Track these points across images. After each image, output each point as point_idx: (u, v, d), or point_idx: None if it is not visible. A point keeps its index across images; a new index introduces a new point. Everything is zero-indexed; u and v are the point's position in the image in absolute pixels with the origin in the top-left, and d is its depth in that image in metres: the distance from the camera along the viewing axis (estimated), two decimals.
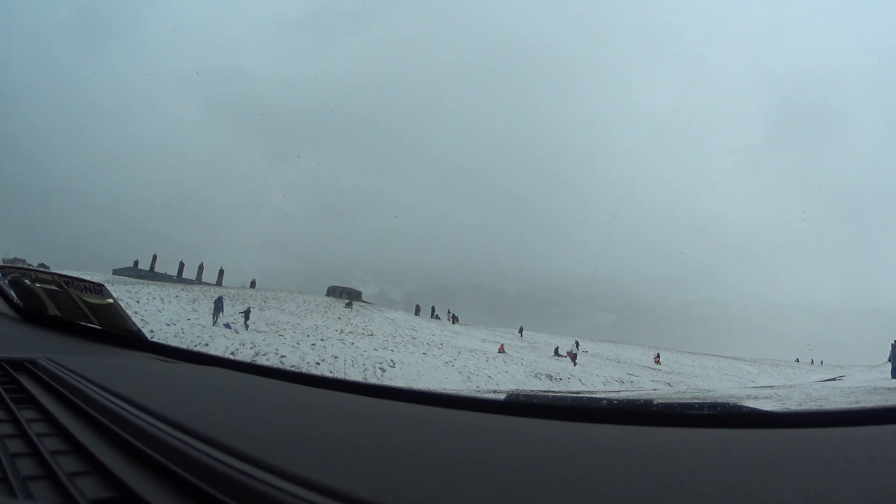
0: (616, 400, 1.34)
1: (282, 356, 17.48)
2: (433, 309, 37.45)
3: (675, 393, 18.14)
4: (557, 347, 28.19)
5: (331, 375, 12.40)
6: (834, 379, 22.76)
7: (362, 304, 35.47)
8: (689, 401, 1.37)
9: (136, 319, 14.31)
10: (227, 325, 21.16)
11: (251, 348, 17.96)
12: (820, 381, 21.23)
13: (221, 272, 42.26)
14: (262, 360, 16.46)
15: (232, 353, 16.61)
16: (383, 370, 17.96)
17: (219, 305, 22.29)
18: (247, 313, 22.49)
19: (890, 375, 19.35)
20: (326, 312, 29.39)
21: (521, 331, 36.02)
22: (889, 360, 20.35)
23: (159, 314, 21.08)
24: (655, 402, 1.29)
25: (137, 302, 22.34)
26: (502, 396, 1.40)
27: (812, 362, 39.20)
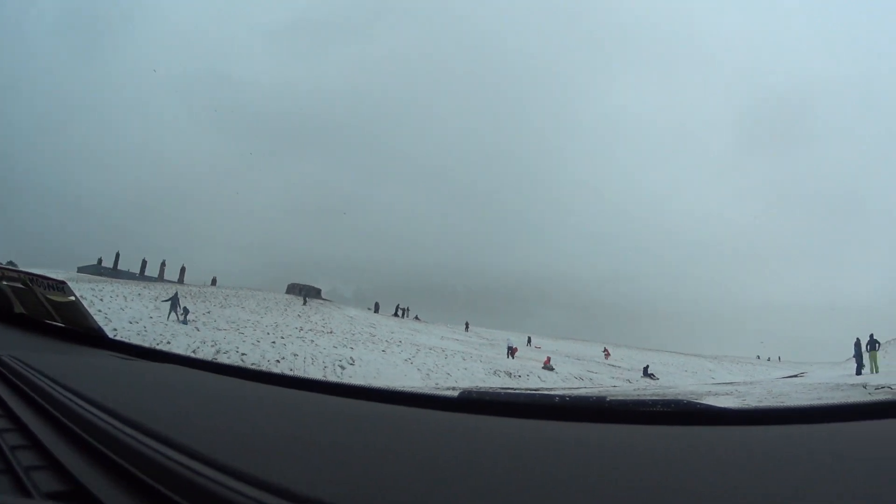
0: (569, 397, 1.34)
1: (242, 354, 17.76)
2: (397, 307, 37.75)
3: (634, 390, 18.33)
4: (512, 347, 28.14)
5: (290, 373, 12.85)
6: (796, 375, 23.03)
7: (322, 301, 35.47)
8: (644, 398, 1.36)
9: (99, 317, 14.65)
10: (183, 322, 21.32)
11: (212, 346, 18.15)
12: (781, 378, 21.69)
13: (183, 270, 42.05)
14: (222, 358, 16.87)
15: (193, 351, 16.87)
16: (343, 368, 18.31)
17: (175, 302, 22.32)
18: (185, 310, 22.40)
19: (854, 372, 19.71)
20: (286, 310, 29.22)
21: (466, 326, 36.56)
22: (854, 357, 20.92)
23: (122, 312, 20.96)
24: (609, 399, 1.28)
25: (101, 300, 22.18)
26: (456, 394, 1.40)
27: (770, 359, 39.53)
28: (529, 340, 34.66)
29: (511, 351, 27.12)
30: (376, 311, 36.16)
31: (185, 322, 21.32)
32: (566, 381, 21.73)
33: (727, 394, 13.11)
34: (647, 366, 27.07)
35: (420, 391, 2.10)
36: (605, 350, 34.08)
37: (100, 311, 19.49)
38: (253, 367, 13.71)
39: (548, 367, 23.75)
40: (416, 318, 37.10)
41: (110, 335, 2.62)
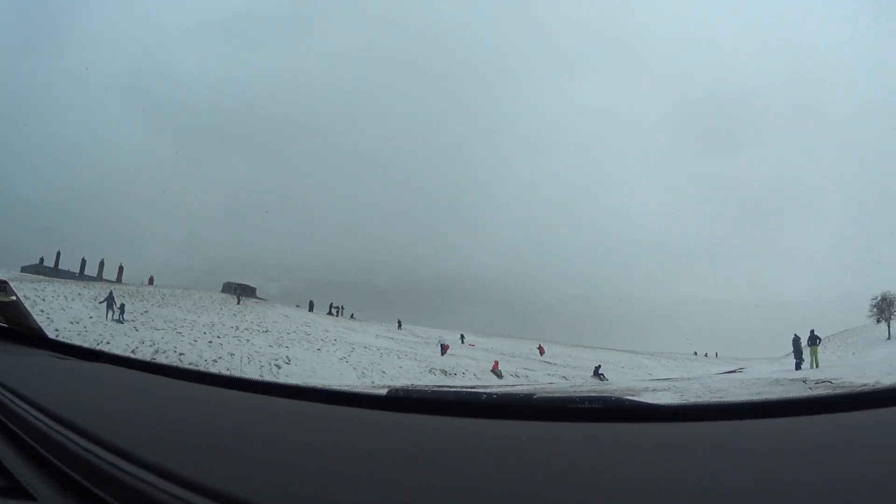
0: (496, 394, 1.33)
1: (180, 354, 17.89)
2: (331, 305, 37.55)
3: (570, 386, 18.54)
4: (444, 345, 27.34)
5: (225, 373, 13.40)
6: (734, 371, 23.02)
7: (257, 300, 34.99)
8: (573, 395, 1.26)
9: (42, 317, 15.55)
10: (118, 321, 21.20)
11: (150, 346, 18.20)
12: (720, 374, 21.72)
13: (121, 269, 41.07)
14: (161, 358, 16.90)
15: (132, 352, 16.88)
16: (279, 367, 18.32)
17: (110, 301, 22.17)
18: (121, 307, 22.28)
19: (793, 368, 19.60)
20: (222, 309, 28.67)
21: (399, 324, 35.92)
22: (793, 353, 20.84)
23: (63, 312, 20.67)
24: (535, 397, 1.24)
25: (43, 300, 21.68)
26: (384, 392, 1.38)
27: (707, 355, 38.70)
28: (463, 338, 34.05)
29: (443, 348, 26.50)
30: (311, 309, 35.91)
31: (120, 321, 21.29)
32: (503, 378, 21.83)
33: (665, 390, 13.12)
34: (599, 366, 25.49)
35: (349, 390, 2.15)
36: (540, 347, 33.16)
37: (42, 311, 19.31)
38: (190, 366, 14.48)
39: (496, 371, 22.67)
40: (352, 316, 37.17)
41: (52, 335, 2.63)
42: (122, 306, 22.29)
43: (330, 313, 36.66)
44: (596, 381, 22.60)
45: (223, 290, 35.46)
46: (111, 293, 23.21)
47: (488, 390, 1.82)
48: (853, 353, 23.73)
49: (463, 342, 33.20)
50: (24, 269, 36.73)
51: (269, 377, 16.78)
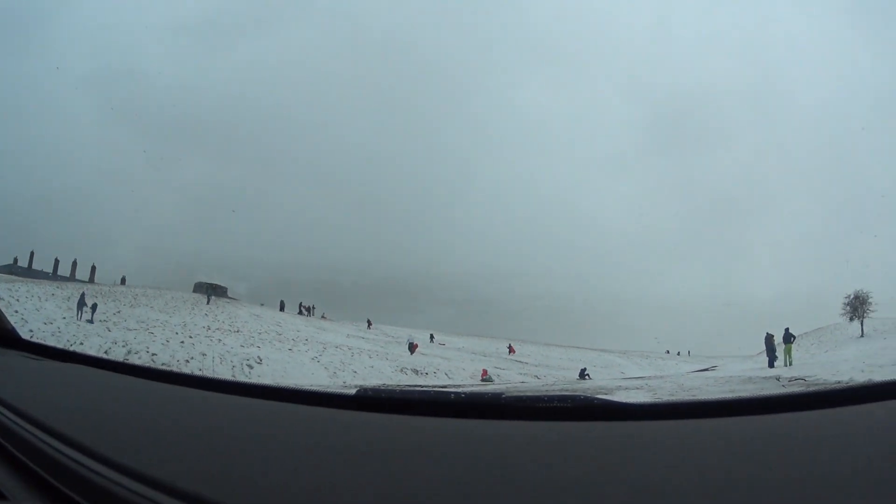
0: (464, 393, 1.33)
1: (153, 354, 18.06)
2: (300, 304, 37.63)
3: (542, 385, 18.55)
4: (413, 344, 27.37)
5: (197, 374, 13.63)
6: (707, 369, 23.33)
7: (228, 300, 34.98)
8: (542, 394, 1.31)
9: (16, 318, 16.35)
10: (89, 321, 21.30)
11: (123, 346, 18.37)
12: (693, 372, 21.73)
13: (93, 269, 40.87)
14: (133, 359, 17.04)
15: (105, 352, 17.10)
16: (251, 367, 18.50)
17: (81, 301, 22.23)
18: (94, 306, 22.40)
19: (767, 365, 19.96)
20: (193, 309, 28.53)
21: (368, 324, 36.01)
22: (766, 351, 21.15)
23: (37, 313, 20.71)
24: (504, 396, 1.24)
25: (17, 301, 21.63)
26: (353, 391, 1.35)
27: (680, 353, 39.13)
28: (432, 337, 34.34)
29: (412, 347, 26.67)
30: (282, 309, 36.01)
31: (91, 321, 21.38)
32: (474, 378, 21.96)
33: (637, 388, 13.23)
34: (584, 368, 25.16)
35: (319, 389, 2.18)
36: (510, 346, 33.51)
37: (17, 311, 19.39)
38: (163, 367, 14.80)
39: (486, 379, 21.86)
40: (323, 316, 37.40)
41: (27, 336, 2.65)
42: (95, 306, 22.35)
43: (300, 313, 36.76)
44: (573, 381, 21.85)
45: (195, 290, 35.50)
46: (83, 293, 23.23)
47: (457, 390, 1.83)
48: (826, 351, 23.84)
49: (432, 341, 33.60)
50: None
51: (241, 377, 16.87)
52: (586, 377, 23.72)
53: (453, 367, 23.99)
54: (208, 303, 31.17)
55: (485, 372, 23.13)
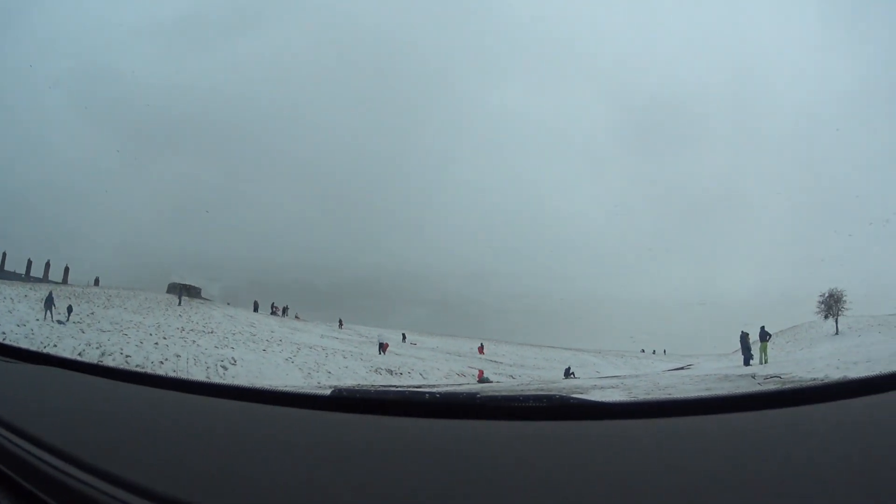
0: (439, 393, 1.33)
1: (127, 356, 17.79)
2: (272, 305, 36.99)
3: (517, 385, 18.62)
4: (383, 343, 26.97)
5: (171, 375, 13.18)
6: (682, 368, 23.23)
7: (202, 300, 34.51)
8: (517, 393, 1.31)
9: None
10: (59, 322, 21.06)
11: (97, 348, 18.17)
12: (668, 370, 21.77)
13: (67, 270, 40.16)
14: (107, 360, 16.77)
15: (79, 354, 16.91)
16: (225, 368, 18.46)
17: (49, 302, 21.90)
18: (69, 308, 22.28)
19: (742, 364, 19.76)
20: (167, 310, 28.13)
21: (340, 323, 35.61)
22: (741, 349, 20.83)
23: (10, 315, 20.29)
24: (479, 396, 1.24)
25: None
26: (328, 392, 1.35)
27: (655, 352, 38.52)
28: (404, 337, 33.88)
29: (382, 347, 26.38)
30: (255, 309, 35.53)
31: (63, 322, 21.12)
32: (448, 377, 22.00)
33: (613, 387, 13.20)
34: (569, 367, 25.29)
35: (294, 390, 2.09)
36: (480, 346, 32.83)
37: None
38: (137, 368, 14.68)
39: (484, 379, 21.56)
40: (297, 316, 37.07)
41: None
42: (70, 308, 22.14)
43: (273, 313, 36.42)
44: (548, 381, 21.00)
45: (168, 291, 35.05)
46: (50, 294, 22.92)
47: (432, 390, 1.69)
48: (801, 349, 23.76)
49: (405, 341, 33.29)
50: None
51: (215, 378, 16.89)
52: (571, 375, 23.58)
53: (428, 367, 23.95)
54: (179, 304, 30.59)
55: (481, 373, 22.82)
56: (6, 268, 39.43)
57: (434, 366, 24.55)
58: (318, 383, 18.15)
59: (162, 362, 18.03)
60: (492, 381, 21.29)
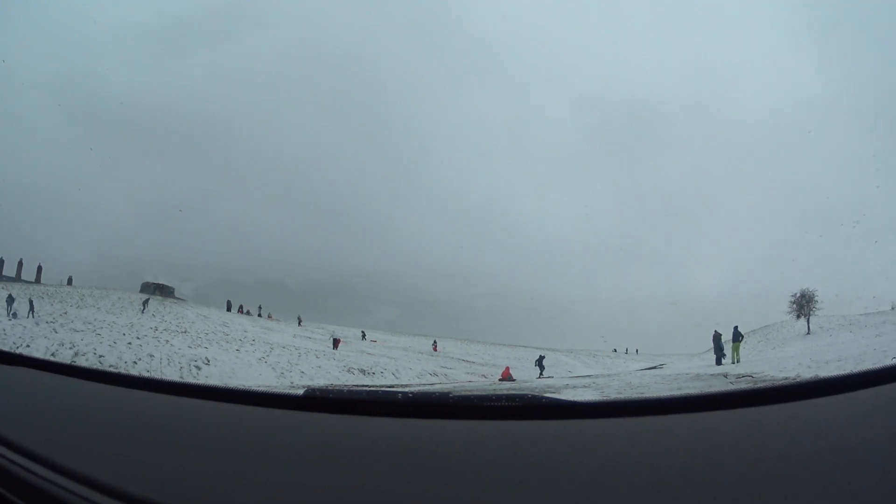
0: (412, 393, 1.36)
1: (100, 356, 17.76)
2: (241, 306, 36.94)
3: (489, 384, 18.45)
4: (336, 339, 27.53)
5: (144, 375, 13.51)
6: (655, 367, 23.17)
7: (175, 300, 34.40)
8: (489, 393, 1.28)
9: None
10: (19, 315, 21.03)
11: (70, 348, 18.13)
12: (640, 370, 21.72)
13: (39, 269, 39.69)
14: (80, 361, 16.69)
15: (52, 354, 16.83)
16: (199, 368, 18.40)
17: (10, 302, 21.90)
18: (30, 303, 22.24)
19: (714, 363, 19.68)
20: (140, 310, 27.69)
21: (299, 321, 35.37)
22: (713, 349, 20.78)
23: None
24: (452, 395, 1.24)
25: None
26: (301, 392, 1.34)
27: (628, 351, 38.38)
28: (364, 335, 33.83)
29: (335, 342, 26.86)
30: (228, 309, 35.49)
31: (28, 315, 21.13)
32: (421, 377, 22.13)
33: (585, 387, 13.09)
34: (542, 355, 25.53)
35: (267, 390, 2.05)
36: (434, 344, 33.30)
37: None
38: (111, 369, 14.60)
39: (508, 377, 20.98)
40: (269, 316, 36.93)
41: None
42: (31, 302, 22.11)
43: (240, 312, 36.13)
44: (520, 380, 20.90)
45: (142, 291, 34.78)
46: (10, 295, 22.70)
47: (405, 389, 1.60)
48: (773, 348, 23.47)
49: (364, 338, 33.35)
50: None
51: (189, 379, 16.84)
52: (543, 366, 23.68)
53: (401, 366, 24.05)
54: (143, 311, 28.79)
55: (506, 371, 22.34)
56: None
57: (407, 365, 24.69)
58: (292, 383, 18.19)
59: (135, 362, 17.96)
60: (515, 380, 20.27)
